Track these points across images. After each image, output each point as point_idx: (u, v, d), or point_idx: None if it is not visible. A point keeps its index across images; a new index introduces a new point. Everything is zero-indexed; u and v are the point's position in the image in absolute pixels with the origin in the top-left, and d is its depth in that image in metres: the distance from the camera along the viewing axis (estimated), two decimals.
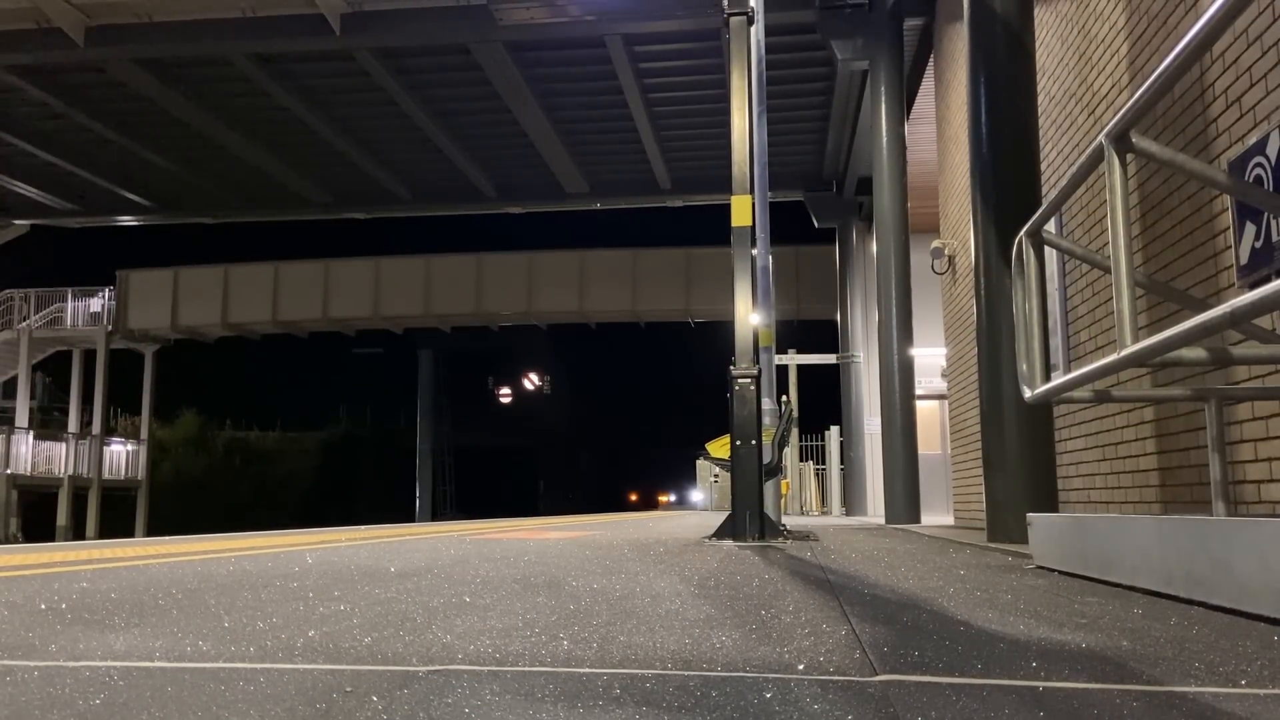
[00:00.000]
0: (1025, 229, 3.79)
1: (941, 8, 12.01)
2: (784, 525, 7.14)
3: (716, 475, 24.84)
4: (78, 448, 25.72)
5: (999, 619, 2.12)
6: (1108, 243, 3.06)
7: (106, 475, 26.42)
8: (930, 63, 13.54)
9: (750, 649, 1.68)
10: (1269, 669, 1.54)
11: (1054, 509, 5.82)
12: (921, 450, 13.42)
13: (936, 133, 12.13)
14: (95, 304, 26.63)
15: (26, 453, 24.40)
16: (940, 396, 15.94)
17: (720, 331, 29.92)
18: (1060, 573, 3.46)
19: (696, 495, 31.08)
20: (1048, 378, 3.75)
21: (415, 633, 1.86)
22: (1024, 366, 3.86)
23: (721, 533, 5.75)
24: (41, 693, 1.32)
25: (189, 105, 18.89)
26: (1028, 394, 3.80)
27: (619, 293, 28.91)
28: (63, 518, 24.82)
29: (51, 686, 1.36)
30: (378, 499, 43.01)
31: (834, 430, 21.93)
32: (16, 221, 24.88)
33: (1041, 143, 7.24)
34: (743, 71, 6.41)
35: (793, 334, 28.82)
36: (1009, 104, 6.20)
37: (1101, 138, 2.81)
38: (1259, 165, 4.07)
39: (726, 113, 6.48)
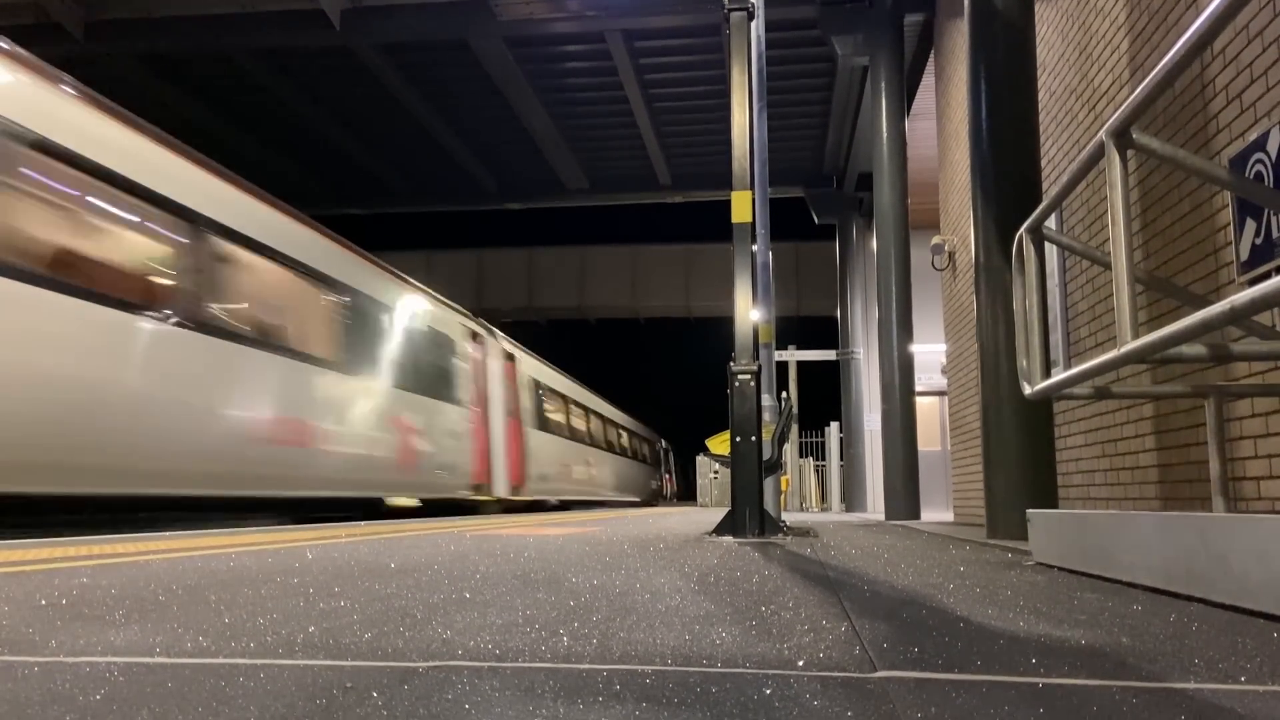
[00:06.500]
0: (1026, 225, 3.79)
1: (942, 4, 11.99)
2: (784, 521, 7.14)
3: (716, 471, 24.86)
4: None
5: (999, 615, 2.12)
6: (1108, 239, 3.05)
7: None
8: (931, 58, 13.53)
9: (750, 645, 1.69)
10: (1268, 665, 1.54)
11: (1054, 505, 5.83)
12: (921, 446, 13.44)
13: (937, 129, 12.12)
14: None
15: None
16: (940, 393, 15.95)
17: (720, 328, 29.95)
18: (1060, 569, 3.46)
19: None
20: (1048, 374, 3.75)
21: (415, 629, 1.86)
22: (1024, 363, 3.86)
23: (721, 529, 5.76)
24: (41, 688, 1.32)
25: (188, 100, 18.87)
26: (1028, 390, 3.80)
27: (619, 289, 28.92)
28: None
29: (51, 682, 1.36)
30: None
31: (834, 426, 21.94)
32: None
33: (1042, 138, 7.23)
34: (743, 67, 6.40)
35: (793, 330, 28.84)
36: (1009, 100, 6.19)
37: (1102, 134, 2.80)
38: (1259, 161, 4.07)
39: (726, 108, 6.47)
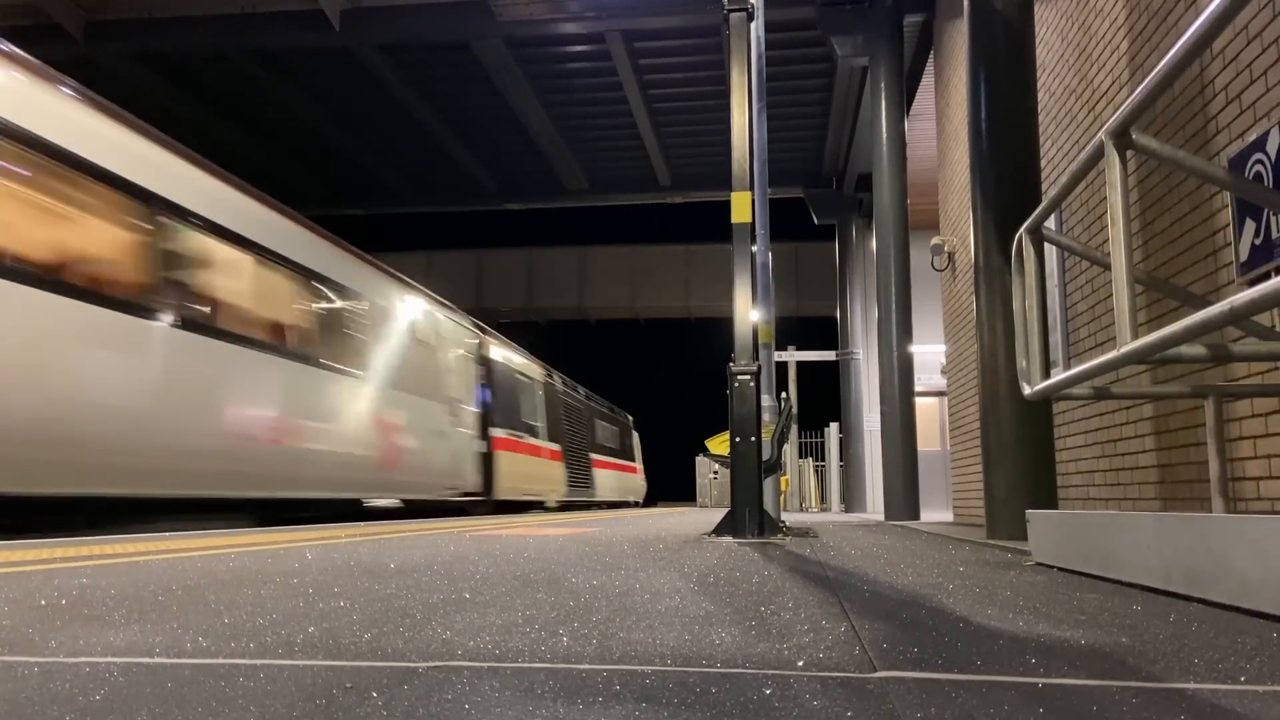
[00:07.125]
0: (1025, 226, 3.79)
1: (941, 4, 11.99)
2: (783, 522, 7.14)
3: (716, 472, 24.85)
4: None
5: (998, 615, 2.12)
6: (1107, 239, 3.06)
7: None
8: (930, 59, 13.53)
9: (749, 645, 1.69)
10: (1268, 666, 1.54)
11: (1053, 505, 5.83)
12: (921, 447, 13.44)
13: (936, 129, 12.12)
14: None
15: None
16: (940, 393, 15.96)
17: (720, 328, 29.92)
18: (1059, 569, 3.46)
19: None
20: (1047, 374, 3.75)
21: (415, 629, 1.86)
22: (1023, 363, 3.86)
23: (721, 529, 5.76)
24: (41, 689, 1.32)
25: (188, 101, 18.87)
26: (1027, 391, 3.80)
27: (618, 289, 28.91)
28: None
29: (51, 683, 1.36)
30: None
31: (833, 427, 21.94)
32: None
33: (1041, 139, 7.24)
34: (742, 68, 6.41)
35: (792, 330, 28.82)
36: (1009, 100, 6.19)
37: (1101, 134, 2.80)
38: (1259, 162, 4.07)
39: (726, 109, 6.47)
